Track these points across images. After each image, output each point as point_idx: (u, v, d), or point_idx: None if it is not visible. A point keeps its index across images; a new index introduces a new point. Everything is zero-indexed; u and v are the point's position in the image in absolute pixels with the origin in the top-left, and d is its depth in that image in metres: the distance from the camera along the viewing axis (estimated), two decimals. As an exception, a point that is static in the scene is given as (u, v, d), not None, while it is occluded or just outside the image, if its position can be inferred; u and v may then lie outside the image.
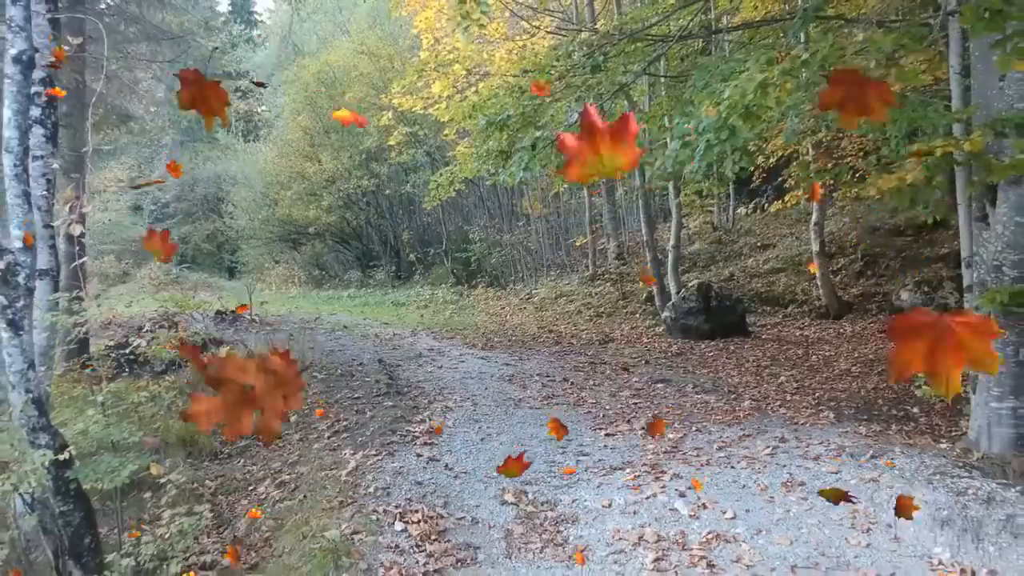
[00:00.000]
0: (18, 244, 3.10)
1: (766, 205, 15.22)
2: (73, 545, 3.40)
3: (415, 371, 8.50)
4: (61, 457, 3.22)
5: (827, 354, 8.83)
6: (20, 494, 3.40)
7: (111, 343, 8.10)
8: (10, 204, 3.08)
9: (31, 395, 3.16)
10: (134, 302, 8.52)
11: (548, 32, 10.30)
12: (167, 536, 3.43)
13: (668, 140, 5.09)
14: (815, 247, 11.13)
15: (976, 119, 4.78)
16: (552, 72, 6.91)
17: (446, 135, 13.65)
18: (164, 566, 3.35)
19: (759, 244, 14.63)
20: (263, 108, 30.49)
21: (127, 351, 7.41)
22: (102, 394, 3.78)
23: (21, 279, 3.09)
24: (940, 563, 3.82)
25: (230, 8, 33.43)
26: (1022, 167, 4.18)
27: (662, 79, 9.94)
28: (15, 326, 3.09)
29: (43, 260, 4.15)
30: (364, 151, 18.35)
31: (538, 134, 5.88)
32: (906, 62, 7.56)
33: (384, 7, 15.24)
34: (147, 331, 7.90)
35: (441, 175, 9.89)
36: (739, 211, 16.27)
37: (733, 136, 3.84)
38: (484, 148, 7.26)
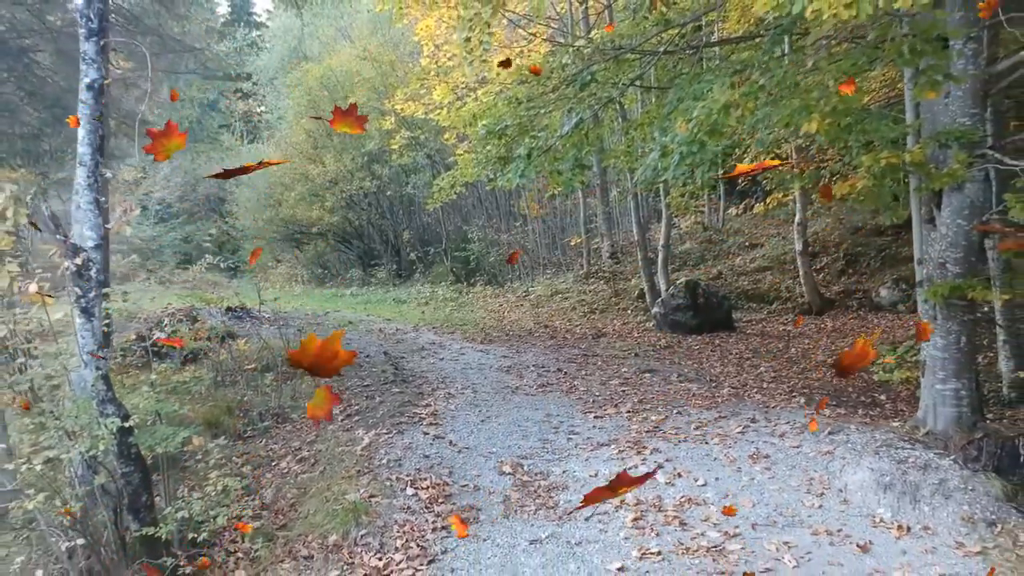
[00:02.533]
0: (91, 243, 3.66)
1: (754, 206, 15.81)
2: (132, 502, 3.96)
3: (418, 362, 9.06)
4: (126, 425, 3.78)
5: (806, 347, 9.42)
6: (85, 459, 3.96)
7: (133, 336, 8.64)
8: (84, 210, 3.63)
9: (100, 372, 3.72)
10: (155, 298, 9.06)
11: (544, 39, 10.85)
12: (213, 494, 4.00)
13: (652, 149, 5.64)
14: (798, 246, 11.71)
15: (925, 131, 5.34)
16: (547, 83, 7.46)
17: (446, 139, 14.20)
18: (212, 520, 3.91)
19: (747, 244, 15.20)
20: (262, 109, 30.97)
21: (148, 343, 7.97)
22: (155, 374, 4.34)
23: (93, 273, 3.65)
24: (882, 521, 4.40)
25: (230, 10, 33.86)
26: (957, 176, 4.74)
27: (652, 89, 10.49)
28: (88, 313, 3.64)
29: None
30: (366, 153, 18.89)
31: (533, 143, 6.42)
32: (876, 75, 8.12)
33: (385, 14, 15.77)
34: (166, 325, 8.45)
35: (443, 179, 10.43)
36: (729, 212, 16.84)
37: (702, 150, 4.40)
38: (483, 154, 7.80)
